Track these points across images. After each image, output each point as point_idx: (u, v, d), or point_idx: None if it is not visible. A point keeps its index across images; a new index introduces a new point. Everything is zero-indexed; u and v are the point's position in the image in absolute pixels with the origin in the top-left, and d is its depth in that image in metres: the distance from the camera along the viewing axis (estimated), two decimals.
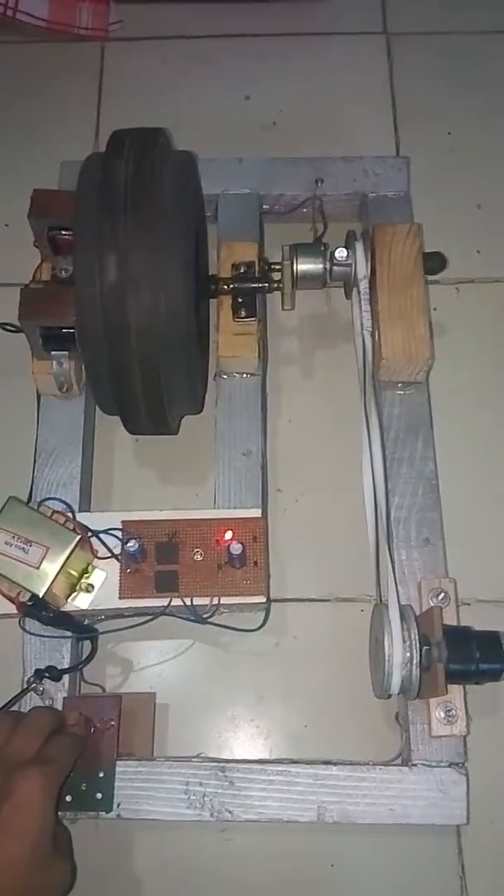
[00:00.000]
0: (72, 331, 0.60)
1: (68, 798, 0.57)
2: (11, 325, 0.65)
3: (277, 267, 0.68)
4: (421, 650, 0.55)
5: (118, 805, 0.57)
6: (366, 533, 0.64)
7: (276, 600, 0.65)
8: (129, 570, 0.61)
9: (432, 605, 0.59)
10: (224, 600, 0.60)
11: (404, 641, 0.55)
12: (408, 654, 0.55)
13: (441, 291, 0.76)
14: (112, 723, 0.59)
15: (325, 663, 0.65)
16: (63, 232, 0.63)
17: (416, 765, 0.58)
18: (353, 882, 0.60)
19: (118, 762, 0.58)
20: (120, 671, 0.65)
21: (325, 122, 0.85)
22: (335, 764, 0.58)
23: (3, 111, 0.88)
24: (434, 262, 0.67)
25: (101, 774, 0.58)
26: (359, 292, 0.67)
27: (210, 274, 0.69)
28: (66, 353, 0.64)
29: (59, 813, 0.57)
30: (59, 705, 0.60)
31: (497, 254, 0.79)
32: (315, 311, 0.76)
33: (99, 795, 0.57)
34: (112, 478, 0.71)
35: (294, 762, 0.59)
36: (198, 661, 0.65)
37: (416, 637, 0.55)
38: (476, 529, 0.68)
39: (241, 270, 0.68)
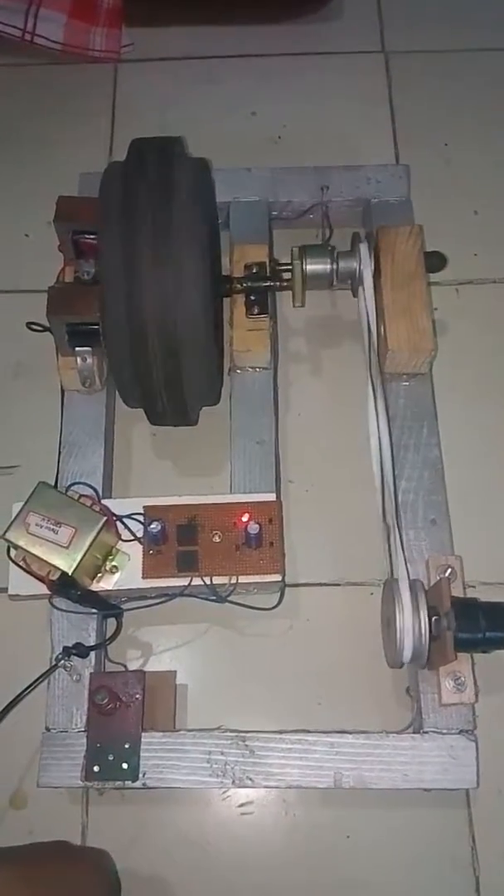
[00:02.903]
0: (95, 327, 0.64)
1: (96, 769, 0.60)
2: (38, 325, 0.69)
3: (287, 267, 0.72)
4: (430, 619, 0.58)
5: (143, 774, 0.60)
6: (374, 521, 0.68)
7: (289, 585, 0.68)
8: (151, 552, 0.64)
9: (440, 578, 0.62)
10: (242, 579, 0.64)
11: (414, 611, 0.58)
12: (418, 623, 0.58)
13: (442, 292, 0.80)
14: (137, 696, 0.61)
15: (336, 644, 0.68)
16: (86, 236, 0.67)
17: (427, 732, 0.61)
18: (369, 852, 0.63)
19: (143, 734, 0.61)
20: (141, 653, 0.68)
21: (328, 135, 0.90)
22: (350, 733, 0.61)
23: (21, 129, 0.92)
24: (434, 260, 0.71)
25: (127, 745, 0.60)
26: (364, 290, 0.71)
27: (224, 274, 0.73)
28: (89, 348, 0.67)
29: (88, 783, 0.60)
30: (85, 681, 0.63)
31: (494, 257, 0.83)
32: (321, 313, 0.80)
33: (125, 766, 0.60)
34: (131, 469, 0.75)
35: (311, 732, 0.62)
36: (215, 643, 0.68)
37: (426, 607, 0.58)
38: (479, 515, 0.71)
39: (253, 270, 0.72)
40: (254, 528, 0.63)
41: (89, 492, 0.66)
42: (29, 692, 0.62)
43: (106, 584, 0.64)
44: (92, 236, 0.66)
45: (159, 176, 0.61)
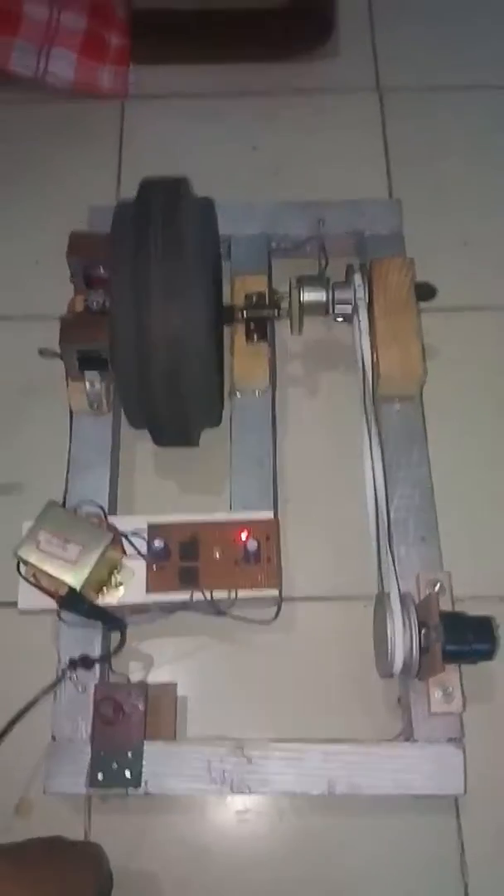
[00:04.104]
0: (104, 354, 0.67)
1: (100, 776, 0.62)
2: (49, 351, 0.72)
3: (285, 296, 0.75)
4: (420, 632, 0.61)
5: (145, 782, 0.63)
6: (367, 538, 0.70)
7: (285, 599, 0.71)
8: (154, 568, 0.67)
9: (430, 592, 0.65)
10: (241, 594, 0.66)
11: (405, 624, 0.61)
12: (408, 636, 0.61)
13: (433, 319, 0.83)
14: (139, 707, 0.64)
15: (331, 656, 0.71)
16: (96, 269, 0.70)
17: (417, 741, 0.63)
18: (361, 857, 0.65)
19: (145, 743, 0.63)
20: (142, 665, 0.71)
21: (325, 169, 0.94)
22: (343, 741, 0.64)
23: (32, 161, 0.96)
24: (425, 291, 0.75)
25: (130, 754, 0.63)
26: (358, 318, 0.74)
27: (225, 304, 0.77)
28: (98, 373, 0.71)
29: (92, 790, 0.62)
30: (90, 693, 0.65)
31: (482, 286, 0.87)
32: (318, 339, 0.84)
33: (128, 773, 0.63)
34: (134, 489, 0.78)
35: (305, 741, 0.64)
36: (214, 655, 0.71)
37: (416, 620, 0.61)
38: (467, 532, 0.74)
39: (254, 300, 0.75)
40: (252, 545, 0.66)
41: (96, 510, 0.68)
42: (36, 702, 0.64)
43: (111, 598, 0.67)
44: (102, 270, 0.69)
45: (166, 216, 0.64)
